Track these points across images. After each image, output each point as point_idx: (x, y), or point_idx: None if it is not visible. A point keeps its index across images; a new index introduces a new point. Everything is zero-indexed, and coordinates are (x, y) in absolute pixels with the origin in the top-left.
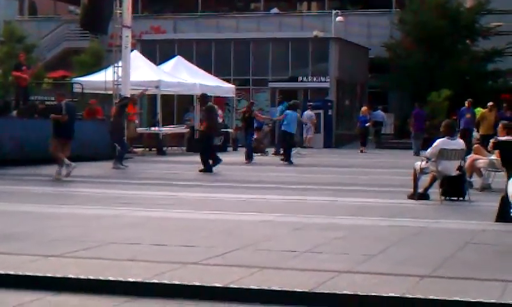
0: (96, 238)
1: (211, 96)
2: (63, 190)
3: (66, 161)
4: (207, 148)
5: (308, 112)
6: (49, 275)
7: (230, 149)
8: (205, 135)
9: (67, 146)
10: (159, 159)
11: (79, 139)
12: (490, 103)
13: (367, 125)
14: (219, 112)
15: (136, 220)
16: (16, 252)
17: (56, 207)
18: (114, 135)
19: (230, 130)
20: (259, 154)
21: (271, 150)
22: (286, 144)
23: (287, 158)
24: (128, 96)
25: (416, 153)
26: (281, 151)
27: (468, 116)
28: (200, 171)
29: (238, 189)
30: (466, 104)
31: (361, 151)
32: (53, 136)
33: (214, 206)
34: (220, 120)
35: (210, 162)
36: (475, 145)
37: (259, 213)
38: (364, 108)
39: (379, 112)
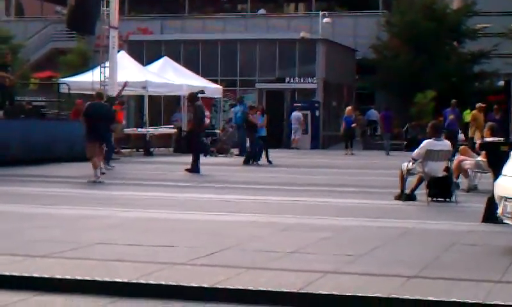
0: (82, 238)
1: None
2: (47, 190)
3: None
4: (196, 147)
5: (296, 113)
6: (35, 275)
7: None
8: (192, 134)
9: (98, 148)
10: (146, 160)
11: (66, 139)
12: (479, 104)
13: (352, 125)
14: (206, 113)
15: (122, 221)
16: (1, 253)
17: (41, 208)
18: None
19: (217, 131)
20: (223, 155)
21: (235, 151)
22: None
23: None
24: (114, 96)
25: (388, 153)
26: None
27: (451, 117)
28: (186, 170)
29: (225, 190)
30: (451, 105)
31: (347, 154)
32: (85, 139)
33: (201, 207)
34: (207, 121)
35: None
36: (462, 146)
37: (246, 213)
38: (349, 108)
39: (373, 111)
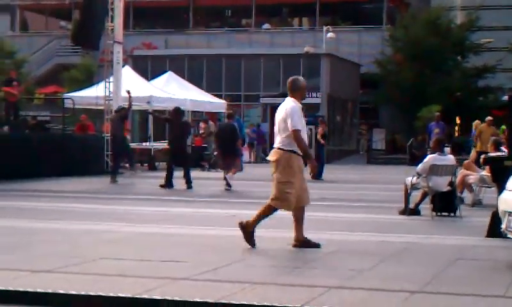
0: (85, 253)
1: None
2: (53, 205)
3: (227, 176)
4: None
5: None
6: (39, 290)
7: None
8: (181, 151)
9: (228, 162)
10: (151, 174)
11: (70, 154)
12: (488, 118)
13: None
14: (212, 128)
15: (126, 235)
16: (5, 268)
17: (46, 222)
18: (114, 147)
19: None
20: (215, 170)
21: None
22: None
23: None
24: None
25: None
26: None
27: (436, 131)
28: (161, 186)
29: (229, 204)
30: (435, 119)
31: None
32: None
33: (205, 222)
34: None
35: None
36: (466, 161)
37: None
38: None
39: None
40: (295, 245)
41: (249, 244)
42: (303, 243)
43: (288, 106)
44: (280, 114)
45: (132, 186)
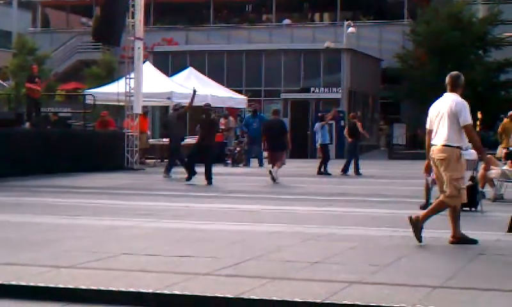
0: (108, 249)
1: (214, 108)
2: (75, 201)
3: (272, 170)
4: (210, 160)
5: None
6: (61, 286)
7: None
8: (208, 148)
9: (275, 156)
10: (172, 170)
11: (91, 150)
12: (511, 113)
13: None
14: (232, 124)
15: (147, 231)
16: (29, 263)
17: (69, 218)
18: (173, 144)
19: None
20: (241, 165)
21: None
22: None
23: (325, 170)
24: (183, 104)
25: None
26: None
27: None
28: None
29: (250, 200)
30: None
31: None
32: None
33: (226, 217)
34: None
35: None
36: (487, 156)
37: (271, 223)
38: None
39: None
40: (452, 242)
41: (417, 240)
42: (460, 239)
43: (456, 101)
44: (443, 110)
45: (153, 182)
